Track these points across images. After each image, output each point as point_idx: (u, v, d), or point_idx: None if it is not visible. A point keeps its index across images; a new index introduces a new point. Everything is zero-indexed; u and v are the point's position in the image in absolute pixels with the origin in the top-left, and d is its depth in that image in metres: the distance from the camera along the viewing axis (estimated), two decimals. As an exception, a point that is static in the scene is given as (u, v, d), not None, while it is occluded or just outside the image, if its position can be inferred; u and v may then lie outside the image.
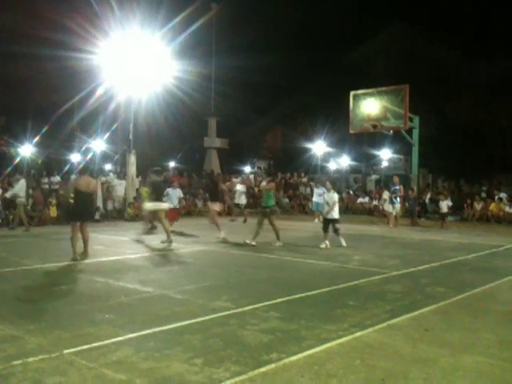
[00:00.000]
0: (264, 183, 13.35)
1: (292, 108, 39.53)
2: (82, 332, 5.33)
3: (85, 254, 10.23)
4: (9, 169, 22.59)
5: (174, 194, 15.86)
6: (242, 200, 19.82)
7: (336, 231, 12.39)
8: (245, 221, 18.87)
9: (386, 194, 20.01)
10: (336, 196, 12.52)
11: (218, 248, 12.33)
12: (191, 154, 41.09)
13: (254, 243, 12.34)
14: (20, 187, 15.73)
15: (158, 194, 12.90)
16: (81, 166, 12.61)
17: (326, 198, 12.59)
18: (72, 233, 10.07)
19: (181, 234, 14.81)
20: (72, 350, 4.75)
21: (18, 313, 6.13)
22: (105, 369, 4.32)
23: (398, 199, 18.34)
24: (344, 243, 12.35)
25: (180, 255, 11.21)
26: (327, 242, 12.26)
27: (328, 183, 13.15)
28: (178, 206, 16.12)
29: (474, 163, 28.97)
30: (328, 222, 12.41)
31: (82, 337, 5.17)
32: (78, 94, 25.53)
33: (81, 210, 10.16)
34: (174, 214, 15.16)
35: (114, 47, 19.34)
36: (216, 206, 13.89)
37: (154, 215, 12.94)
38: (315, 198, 19.77)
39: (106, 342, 5.01)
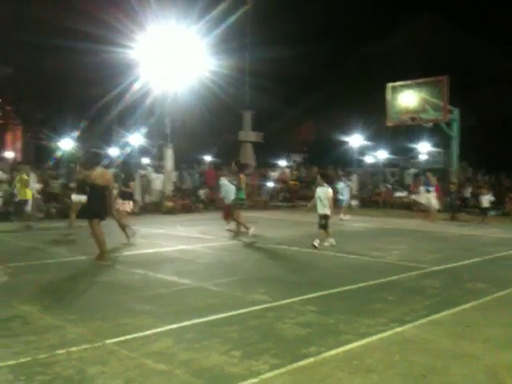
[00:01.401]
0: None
1: (326, 100, 39.23)
2: (122, 322, 5.43)
3: (103, 257, 9.08)
4: (49, 162, 23.13)
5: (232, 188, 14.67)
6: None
7: (322, 226, 11.16)
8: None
9: (421, 188, 19.75)
10: (331, 191, 11.34)
11: (252, 242, 12.33)
12: (226, 148, 41.24)
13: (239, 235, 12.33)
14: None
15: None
16: (91, 156, 11.08)
17: (319, 194, 11.22)
18: (94, 230, 9.02)
19: (215, 227, 14.90)
20: (113, 340, 4.85)
21: (59, 303, 6.28)
22: (145, 359, 4.39)
23: (433, 193, 18.08)
24: (330, 243, 11.20)
25: (215, 248, 11.29)
26: (331, 240, 11.40)
27: (319, 177, 11.85)
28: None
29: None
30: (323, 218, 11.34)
31: (123, 327, 5.27)
32: (115, 88, 25.88)
33: (98, 207, 9.02)
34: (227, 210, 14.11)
35: (151, 41, 19.53)
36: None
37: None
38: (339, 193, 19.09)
39: (146, 332, 5.09)
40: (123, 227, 11.30)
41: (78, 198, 12.93)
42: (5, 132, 36.55)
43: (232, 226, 13.37)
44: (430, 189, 18.26)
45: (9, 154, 32.05)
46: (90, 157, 10.27)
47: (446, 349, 4.79)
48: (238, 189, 12.53)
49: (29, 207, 15.13)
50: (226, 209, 13.95)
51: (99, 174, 9.07)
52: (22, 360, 4.32)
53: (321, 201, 11.17)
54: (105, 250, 9.11)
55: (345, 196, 18.87)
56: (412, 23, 35.41)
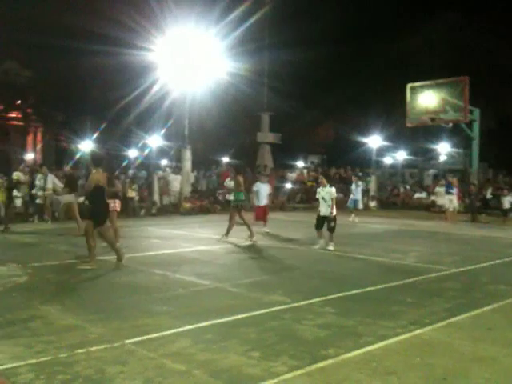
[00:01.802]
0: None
1: (344, 101, 39.05)
2: (140, 322, 5.47)
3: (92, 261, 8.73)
4: (69, 164, 23.39)
5: (264, 190, 14.36)
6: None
7: (331, 229, 11.02)
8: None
9: (437, 189, 19.57)
10: (334, 191, 11.16)
11: (269, 243, 12.35)
12: (243, 150, 41.29)
13: (226, 239, 12.07)
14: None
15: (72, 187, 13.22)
16: (91, 155, 10.67)
17: (322, 194, 11.06)
18: (107, 234, 8.91)
19: (234, 228, 14.91)
20: (132, 340, 4.88)
21: (79, 303, 6.34)
22: (164, 359, 4.41)
23: (454, 192, 17.90)
24: (332, 247, 10.97)
25: (233, 249, 11.30)
26: (321, 241, 11.26)
27: (322, 178, 11.55)
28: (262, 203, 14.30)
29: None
30: (323, 220, 11.11)
31: (141, 327, 5.30)
32: (134, 91, 26.10)
33: (105, 210, 8.91)
34: (260, 212, 14.17)
35: (170, 44, 19.64)
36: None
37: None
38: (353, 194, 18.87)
39: (165, 332, 5.12)
40: (117, 229, 10.89)
41: (68, 198, 13.05)
42: (26, 134, 37.05)
43: (267, 228, 13.57)
44: (451, 190, 18.07)
45: (29, 156, 32.49)
46: (96, 157, 9.74)
47: (466, 352, 4.74)
48: (238, 191, 12.33)
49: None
50: (258, 210, 14.13)
51: (102, 175, 8.84)
52: (43, 359, 4.37)
53: (325, 201, 11.00)
54: (117, 249, 8.99)
55: (356, 197, 18.62)
56: (432, 23, 35.10)
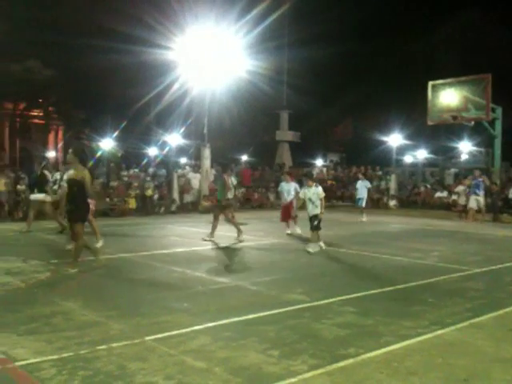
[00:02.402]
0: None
1: (363, 99, 38.83)
2: (160, 319, 5.49)
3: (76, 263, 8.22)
4: (91, 162, 23.59)
5: (289, 189, 13.73)
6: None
7: (315, 228, 10.46)
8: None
9: (459, 188, 19.31)
10: (321, 190, 10.58)
11: (288, 241, 12.33)
12: (262, 148, 41.30)
13: (212, 238, 11.76)
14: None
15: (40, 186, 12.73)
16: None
17: (309, 195, 10.51)
18: (81, 235, 8.24)
19: (252, 226, 14.94)
20: (152, 336, 4.90)
21: (100, 299, 6.39)
22: (184, 356, 4.42)
23: (482, 192, 17.63)
24: (311, 249, 10.34)
25: (252, 247, 11.30)
26: (321, 243, 10.79)
27: (307, 179, 11.00)
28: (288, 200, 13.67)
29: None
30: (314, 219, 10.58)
31: (161, 324, 5.32)
32: (154, 89, 26.26)
33: (87, 209, 8.40)
34: (285, 212, 13.60)
35: (190, 42, 19.70)
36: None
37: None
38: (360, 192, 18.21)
39: (185, 330, 5.13)
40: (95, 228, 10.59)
41: (36, 197, 12.77)
42: (47, 132, 37.55)
43: (292, 228, 13.16)
44: (478, 191, 17.77)
45: (51, 154, 32.91)
46: (79, 151, 8.55)
47: (489, 352, 4.67)
48: (224, 189, 11.94)
49: None
50: (283, 210, 13.68)
51: (87, 173, 8.20)
52: (65, 355, 4.41)
53: (312, 202, 10.45)
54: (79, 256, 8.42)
55: (360, 195, 17.95)
56: (453, 20, 34.69)
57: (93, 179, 10.58)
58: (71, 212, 8.24)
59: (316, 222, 10.43)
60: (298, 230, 13.23)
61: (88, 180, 8.08)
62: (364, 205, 18.00)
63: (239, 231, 11.81)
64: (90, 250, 8.59)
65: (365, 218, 17.55)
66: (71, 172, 8.28)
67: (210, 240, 11.73)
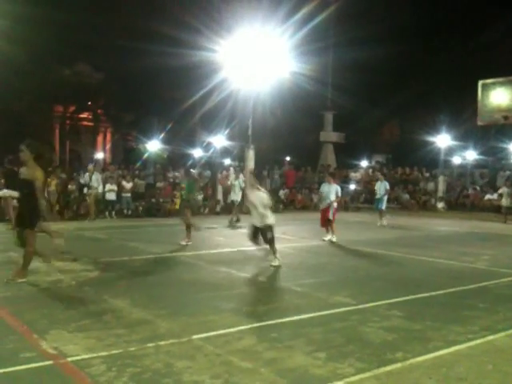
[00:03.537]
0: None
1: (410, 99, 38.09)
2: (207, 319, 5.55)
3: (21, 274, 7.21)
4: (138, 163, 24.11)
5: (330, 190, 12.52)
6: (238, 196, 17.19)
7: (270, 242, 8.98)
8: (237, 220, 16.33)
9: (502, 189, 18.73)
10: (266, 196, 8.93)
11: (332, 244, 12.21)
12: (307, 149, 41.11)
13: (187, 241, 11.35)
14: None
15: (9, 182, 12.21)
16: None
17: (253, 200, 8.96)
18: (33, 241, 7.26)
19: (296, 228, 14.90)
20: (199, 335, 4.96)
21: (148, 298, 6.50)
22: (231, 356, 4.46)
23: None
24: (276, 263, 8.85)
25: (297, 249, 11.28)
26: (277, 255, 9.05)
27: (251, 180, 9.54)
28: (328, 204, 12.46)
29: None
30: (257, 230, 9.02)
31: (208, 323, 5.38)
32: (199, 91, 26.54)
33: (39, 212, 7.27)
34: (324, 217, 12.56)
35: (235, 43, 19.82)
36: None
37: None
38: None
39: (231, 330, 5.17)
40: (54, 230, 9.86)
41: (5, 193, 12.11)
42: (96, 134, 38.50)
43: (329, 235, 12.39)
44: None
45: (99, 156, 33.72)
46: (33, 146, 7.33)
47: (544, 361, 4.51)
48: (192, 189, 11.81)
49: None
50: (322, 215, 12.66)
51: (42, 172, 7.32)
52: (114, 352, 4.51)
53: (256, 209, 8.85)
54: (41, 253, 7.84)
55: (379, 196, 16.82)
56: (503, 20, 33.65)
57: (46, 180, 9.79)
58: (21, 216, 7.33)
59: (270, 235, 8.90)
60: (332, 238, 12.33)
61: (40, 181, 7.18)
62: (384, 207, 16.88)
63: (188, 234, 11.39)
64: (42, 257, 7.91)
65: (385, 222, 16.51)
66: (23, 171, 7.24)
67: (187, 243, 11.26)
